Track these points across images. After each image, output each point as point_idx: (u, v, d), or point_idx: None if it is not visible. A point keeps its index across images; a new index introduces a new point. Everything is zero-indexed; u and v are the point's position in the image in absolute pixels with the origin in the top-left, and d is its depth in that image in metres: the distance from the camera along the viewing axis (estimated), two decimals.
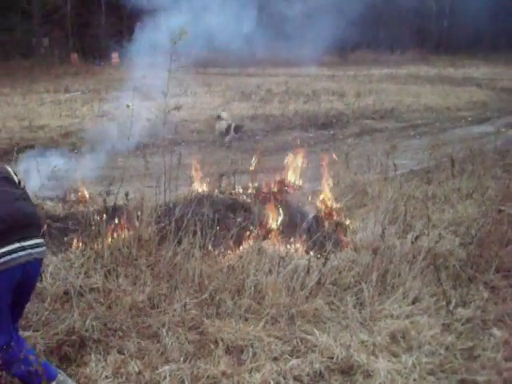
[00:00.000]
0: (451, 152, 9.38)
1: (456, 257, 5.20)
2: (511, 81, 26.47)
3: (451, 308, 4.44)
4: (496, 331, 4.13)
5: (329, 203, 6.22)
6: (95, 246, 4.82)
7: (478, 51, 43.70)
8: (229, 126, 11.60)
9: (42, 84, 20.79)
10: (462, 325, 4.24)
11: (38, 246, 3.09)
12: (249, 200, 5.91)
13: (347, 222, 5.95)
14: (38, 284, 4.51)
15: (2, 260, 2.89)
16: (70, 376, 3.44)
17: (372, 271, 4.76)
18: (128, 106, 5.40)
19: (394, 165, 6.75)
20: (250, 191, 6.38)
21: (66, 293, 4.33)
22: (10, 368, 3.13)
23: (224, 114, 12.17)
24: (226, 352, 3.82)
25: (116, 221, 5.20)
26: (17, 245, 2.96)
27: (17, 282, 3.00)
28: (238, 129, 11.76)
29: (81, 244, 5.02)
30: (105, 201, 5.40)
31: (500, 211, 6.24)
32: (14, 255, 2.94)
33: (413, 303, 4.50)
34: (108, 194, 5.33)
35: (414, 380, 3.56)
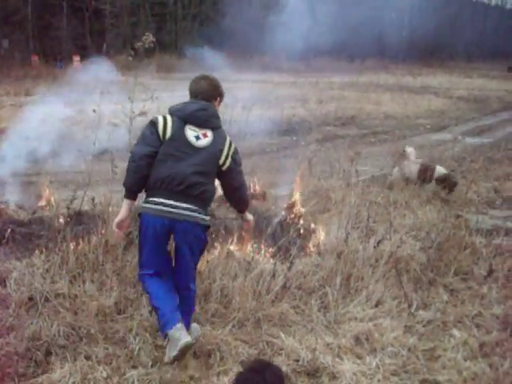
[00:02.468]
0: None
1: (417, 261, 5.35)
2: (467, 90, 27.22)
3: (413, 310, 4.57)
4: (456, 332, 4.28)
5: (294, 209, 6.31)
6: (60, 251, 4.78)
7: (435, 61, 44.78)
8: (424, 170, 7.66)
9: (2, 86, 20.31)
10: (424, 326, 4.37)
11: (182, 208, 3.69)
12: (213, 206, 5.94)
13: (312, 227, 6.04)
14: (2, 290, 4.48)
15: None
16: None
17: (336, 275, 4.86)
18: (94, 111, 5.36)
19: (357, 171, 6.87)
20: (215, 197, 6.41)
21: (31, 298, 4.27)
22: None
23: (411, 150, 8.27)
24: (194, 356, 3.85)
25: (82, 226, 5.17)
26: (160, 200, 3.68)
27: (159, 233, 3.70)
28: (447, 178, 7.56)
29: (46, 249, 4.96)
30: (68, 206, 5.36)
31: (458, 216, 6.44)
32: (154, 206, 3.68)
33: (376, 306, 4.62)
34: (73, 198, 5.28)
35: (378, 381, 3.66)
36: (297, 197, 6.48)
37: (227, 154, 3.89)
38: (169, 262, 3.88)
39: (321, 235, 5.81)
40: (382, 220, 6.27)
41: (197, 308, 4.30)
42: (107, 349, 3.83)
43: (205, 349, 3.91)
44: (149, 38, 5.17)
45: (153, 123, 3.80)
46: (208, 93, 4.02)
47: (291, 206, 6.34)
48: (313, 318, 4.39)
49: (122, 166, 5.44)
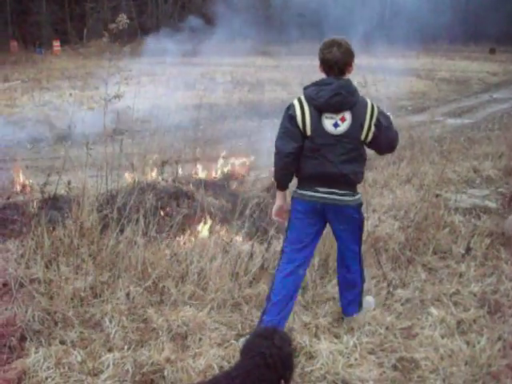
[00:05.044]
0: None
1: (395, 240, 5.34)
2: (449, 71, 27.27)
3: (391, 289, 4.58)
4: (433, 310, 4.28)
5: (272, 190, 6.27)
6: (35, 235, 4.71)
7: (417, 42, 44.70)
8: None
9: None
10: (402, 305, 4.38)
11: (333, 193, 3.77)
12: (192, 188, 5.90)
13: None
14: None
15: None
16: (9, 369, 3.39)
17: (314, 255, 4.84)
18: (71, 95, 5.29)
19: None
20: (194, 179, 6.37)
21: (5, 284, 4.23)
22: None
23: None
24: (171, 339, 3.82)
25: (57, 210, 5.10)
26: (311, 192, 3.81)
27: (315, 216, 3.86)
28: None
29: (20, 234, 4.90)
30: (42, 190, 5.30)
31: (437, 196, 6.46)
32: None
33: None
34: (46, 183, 5.22)
35: (355, 359, 3.65)
36: None
37: (369, 126, 3.73)
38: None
39: None
40: None
41: (174, 290, 4.28)
42: (82, 333, 3.80)
43: (182, 331, 3.89)
44: (123, 19, 5.09)
45: (291, 116, 3.69)
46: (343, 60, 3.75)
47: (270, 188, 6.31)
48: None
49: (99, 149, 5.40)
